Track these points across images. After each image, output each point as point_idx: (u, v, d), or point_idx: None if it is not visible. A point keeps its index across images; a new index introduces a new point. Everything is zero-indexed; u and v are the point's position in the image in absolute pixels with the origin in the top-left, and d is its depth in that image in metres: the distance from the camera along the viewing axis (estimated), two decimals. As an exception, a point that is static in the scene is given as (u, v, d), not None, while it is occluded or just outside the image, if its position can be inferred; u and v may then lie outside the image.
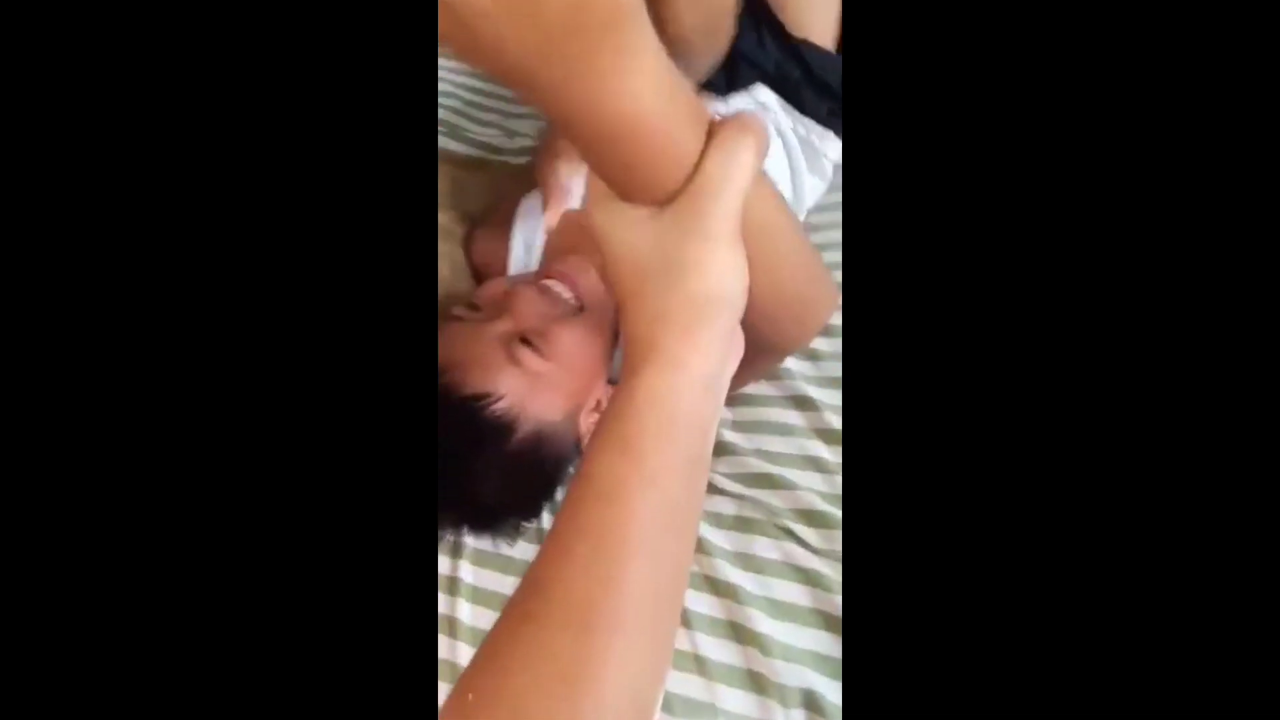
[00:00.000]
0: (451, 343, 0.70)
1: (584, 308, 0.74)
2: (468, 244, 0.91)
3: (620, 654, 0.32)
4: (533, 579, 0.34)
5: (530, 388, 0.69)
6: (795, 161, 0.86)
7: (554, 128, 0.97)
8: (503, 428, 0.68)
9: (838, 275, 0.74)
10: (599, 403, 0.75)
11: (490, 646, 0.33)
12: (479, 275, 0.88)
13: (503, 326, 0.69)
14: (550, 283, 0.74)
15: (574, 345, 0.71)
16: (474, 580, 0.74)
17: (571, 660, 0.31)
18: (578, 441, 0.74)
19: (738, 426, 0.78)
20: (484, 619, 0.72)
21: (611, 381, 0.79)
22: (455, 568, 0.75)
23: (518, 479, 0.72)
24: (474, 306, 0.74)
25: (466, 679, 0.33)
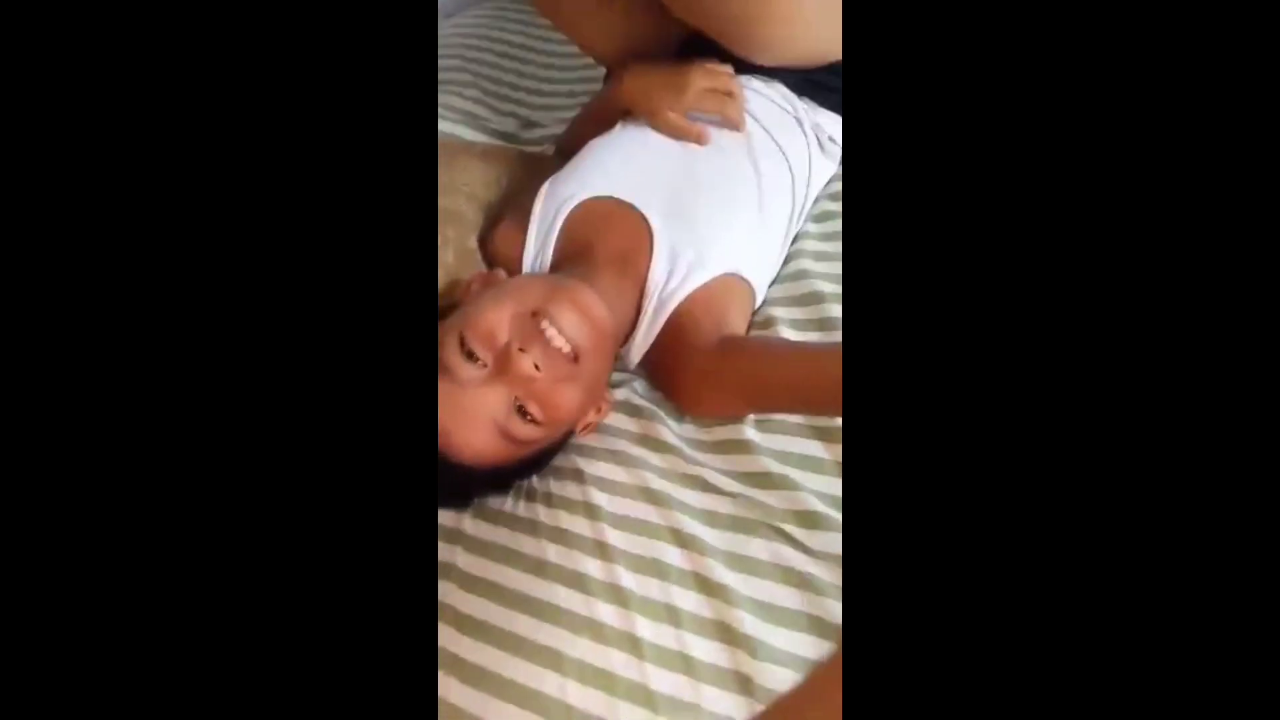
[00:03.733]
0: (448, 409, 0.71)
1: (579, 357, 0.73)
2: (486, 236, 0.94)
3: None
4: None
5: (525, 447, 0.75)
6: (811, 145, 0.98)
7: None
8: (502, 474, 0.77)
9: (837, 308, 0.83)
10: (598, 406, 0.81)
11: None
12: (491, 266, 0.92)
13: (498, 396, 0.71)
14: (545, 326, 0.73)
15: (570, 404, 0.74)
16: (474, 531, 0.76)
17: None
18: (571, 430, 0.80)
19: (758, 424, 0.78)
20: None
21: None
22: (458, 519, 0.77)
23: (516, 478, 0.80)
24: (467, 351, 0.71)
25: None
